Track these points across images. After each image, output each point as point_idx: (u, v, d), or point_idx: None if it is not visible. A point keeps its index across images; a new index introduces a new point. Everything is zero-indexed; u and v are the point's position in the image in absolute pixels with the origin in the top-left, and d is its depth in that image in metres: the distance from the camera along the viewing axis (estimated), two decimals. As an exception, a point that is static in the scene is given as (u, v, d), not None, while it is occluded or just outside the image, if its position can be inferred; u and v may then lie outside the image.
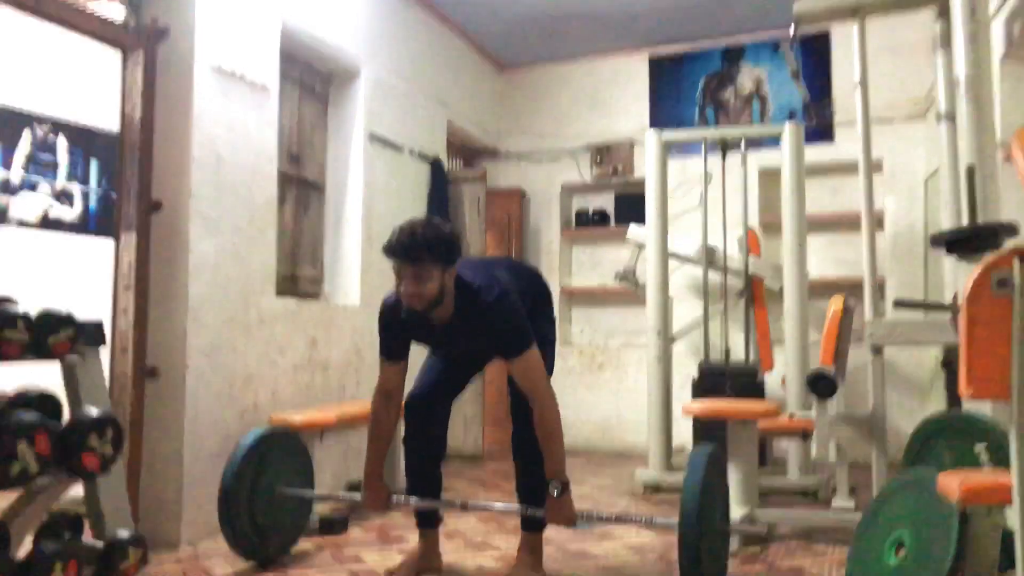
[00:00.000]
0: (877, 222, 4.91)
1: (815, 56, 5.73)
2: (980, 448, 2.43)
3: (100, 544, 2.05)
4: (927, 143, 5.22)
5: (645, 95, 6.24)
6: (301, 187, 4.38)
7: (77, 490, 2.13)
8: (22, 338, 1.92)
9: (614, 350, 6.19)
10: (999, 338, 1.55)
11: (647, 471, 4.46)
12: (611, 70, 6.36)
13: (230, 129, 3.49)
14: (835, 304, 3.89)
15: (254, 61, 3.63)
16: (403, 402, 2.81)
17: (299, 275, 4.34)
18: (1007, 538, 1.80)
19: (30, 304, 2.02)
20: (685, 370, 5.40)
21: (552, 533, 3.23)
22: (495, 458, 5.61)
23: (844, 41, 5.43)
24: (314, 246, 4.51)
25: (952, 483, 1.77)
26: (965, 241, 2.57)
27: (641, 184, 5.14)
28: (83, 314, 2.13)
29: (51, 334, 1.99)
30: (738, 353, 5.08)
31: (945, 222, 3.26)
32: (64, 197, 5.23)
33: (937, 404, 4.70)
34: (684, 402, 3.61)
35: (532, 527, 2.78)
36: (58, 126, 5.18)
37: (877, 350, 3.23)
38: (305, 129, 4.42)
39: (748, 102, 5.96)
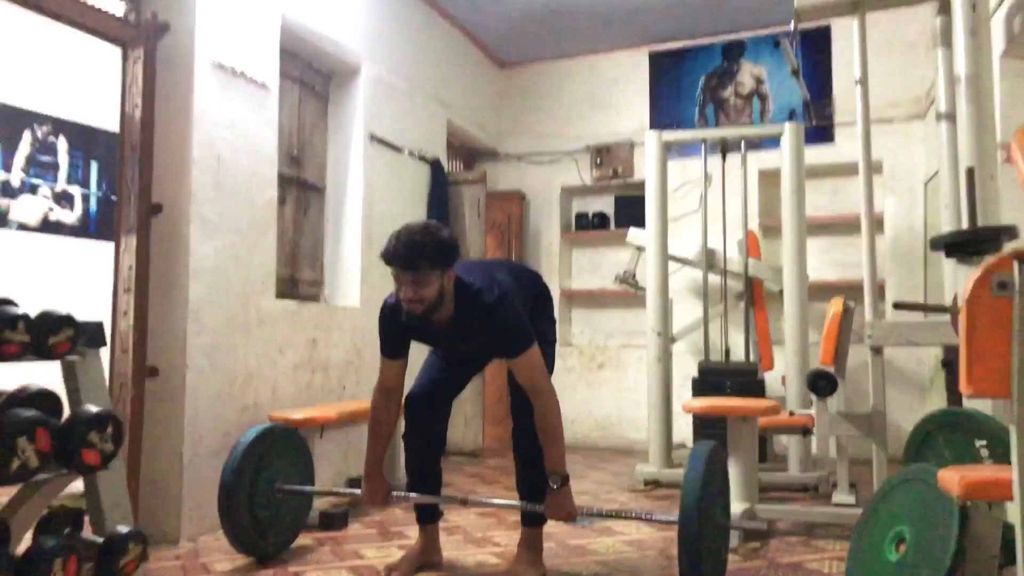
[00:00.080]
0: (877, 224, 4.93)
1: (815, 55, 5.75)
2: (980, 444, 2.43)
3: (100, 540, 2.04)
4: (927, 143, 5.23)
5: (645, 93, 6.26)
6: (301, 188, 4.38)
7: (77, 486, 2.13)
8: (22, 339, 1.92)
9: (614, 350, 6.20)
10: (999, 339, 1.55)
11: (647, 467, 4.47)
12: (611, 67, 6.37)
13: (230, 129, 3.49)
14: (835, 305, 3.90)
15: (254, 58, 3.64)
16: (403, 400, 2.81)
17: (299, 277, 4.34)
18: (1007, 534, 1.80)
19: (31, 306, 2.02)
20: (685, 370, 5.42)
21: (552, 528, 3.23)
22: (495, 455, 5.62)
23: (844, 41, 5.45)
24: (314, 247, 4.51)
25: (953, 478, 1.77)
26: (964, 244, 2.57)
27: (641, 186, 5.16)
28: (84, 315, 2.13)
29: (51, 335, 1.99)
30: (738, 354, 5.08)
31: (945, 224, 3.26)
32: (64, 200, 5.24)
33: (937, 401, 4.70)
34: (685, 400, 3.61)
35: (532, 522, 2.78)
36: (58, 126, 5.20)
37: (877, 350, 3.23)
38: (305, 129, 4.43)
39: (748, 100, 5.97)
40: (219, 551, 3.07)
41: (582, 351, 6.29)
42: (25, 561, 1.78)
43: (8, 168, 4.94)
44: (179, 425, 3.20)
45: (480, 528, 3.45)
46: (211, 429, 3.32)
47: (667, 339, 4.59)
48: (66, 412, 2.14)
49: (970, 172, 2.57)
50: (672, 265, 4.87)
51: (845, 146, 5.53)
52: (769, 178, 5.69)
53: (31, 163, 5.07)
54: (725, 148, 4.80)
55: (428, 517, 2.85)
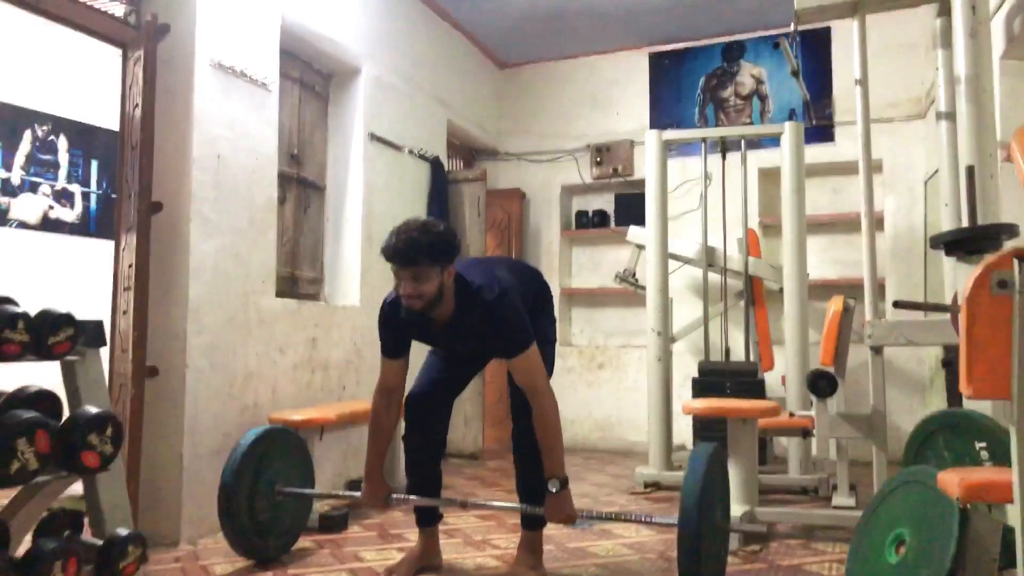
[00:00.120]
0: (877, 222, 4.92)
1: (815, 55, 5.74)
2: (980, 446, 2.43)
3: (99, 542, 2.05)
4: (927, 143, 5.23)
5: (645, 93, 6.25)
6: (301, 187, 4.38)
7: (77, 487, 2.13)
8: (22, 338, 1.91)
9: (614, 350, 6.20)
10: (999, 338, 1.55)
11: (647, 469, 4.47)
12: (611, 67, 6.37)
13: (230, 129, 3.49)
14: (835, 304, 3.89)
15: (254, 58, 3.64)
16: (403, 400, 2.81)
17: (299, 276, 4.34)
18: (1007, 536, 1.80)
19: (31, 305, 2.02)
20: (685, 369, 5.42)
21: (552, 531, 3.23)
22: (495, 456, 5.62)
23: (844, 41, 5.44)
24: (314, 246, 4.51)
25: (953, 480, 1.77)
26: (964, 242, 2.57)
27: (641, 184, 5.16)
28: (83, 314, 2.13)
29: (51, 334, 1.99)
30: (738, 353, 5.08)
31: (945, 222, 3.26)
32: (64, 198, 5.24)
33: (938, 402, 4.70)
34: (684, 400, 3.61)
35: (532, 525, 2.78)
36: (59, 125, 5.20)
37: (877, 350, 3.23)
38: (305, 129, 4.42)
39: (748, 100, 5.97)
40: (219, 553, 3.07)
41: (582, 351, 6.29)
42: (25, 563, 1.78)
43: (8, 167, 4.94)
44: (179, 425, 3.20)
45: (480, 531, 3.45)
46: (211, 429, 3.32)
47: (667, 339, 4.59)
48: (66, 412, 2.14)
49: (970, 171, 2.57)
50: (672, 264, 4.86)
51: (845, 145, 5.53)
52: (769, 176, 5.69)
53: (31, 161, 5.07)
54: (725, 147, 4.80)
55: (428, 519, 2.85)
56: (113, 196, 5.02)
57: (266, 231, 3.71)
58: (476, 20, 5.77)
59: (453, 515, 3.67)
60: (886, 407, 3.36)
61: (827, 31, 5.67)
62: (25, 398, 2.07)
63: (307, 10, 4.09)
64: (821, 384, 3.38)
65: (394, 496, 2.76)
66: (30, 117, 5.06)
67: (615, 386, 6.13)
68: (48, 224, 5.15)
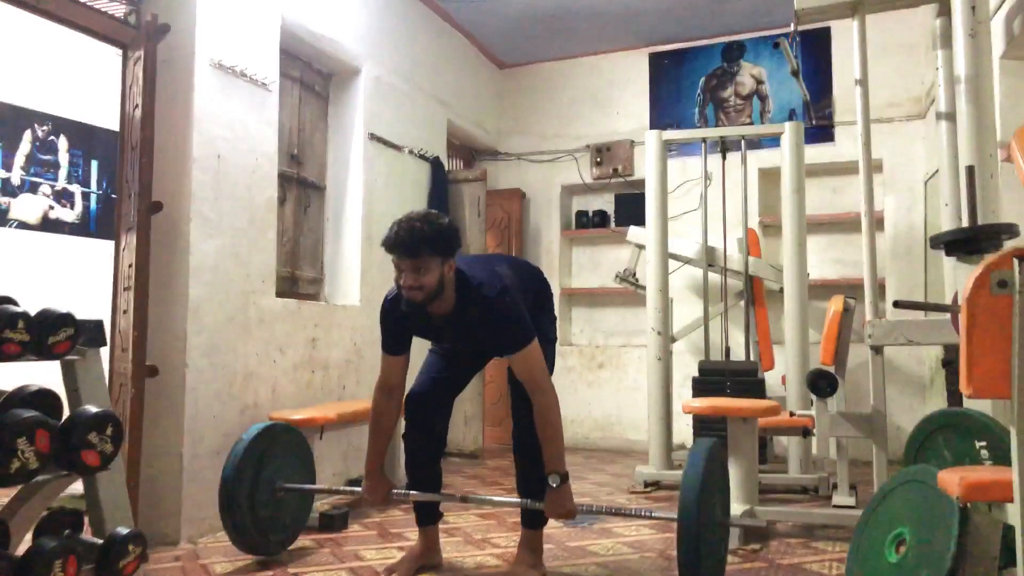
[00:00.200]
0: (877, 223, 4.93)
1: (815, 55, 5.74)
2: (980, 445, 2.43)
3: (99, 541, 2.04)
4: (927, 143, 5.23)
5: (645, 94, 6.26)
6: (301, 187, 4.38)
7: (77, 487, 2.13)
8: (22, 338, 1.91)
9: (614, 350, 6.20)
10: (999, 338, 1.55)
11: (647, 468, 4.47)
12: (611, 68, 6.37)
13: (230, 129, 3.49)
14: (835, 304, 3.90)
15: (254, 58, 3.64)
16: (404, 399, 2.81)
17: (299, 275, 4.34)
18: (1008, 535, 1.80)
19: (31, 305, 2.02)
20: (685, 369, 5.42)
21: (552, 530, 3.24)
22: (495, 456, 5.62)
23: (844, 41, 5.45)
24: (314, 246, 4.51)
25: (953, 479, 1.76)
26: (964, 242, 2.57)
27: (641, 184, 5.16)
28: (83, 314, 2.13)
29: (51, 334, 1.99)
30: (738, 353, 5.08)
31: (945, 222, 3.26)
32: (64, 198, 5.24)
33: (938, 401, 4.71)
34: (684, 400, 3.61)
35: (532, 524, 2.78)
36: (59, 125, 5.20)
37: (877, 350, 3.23)
38: (305, 129, 4.42)
39: (748, 100, 5.97)
40: (219, 552, 3.07)
41: (582, 350, 6.29)
42: (25, 562, 1.78)
43: (8, 167, 4.94)
44: (179, 425, 3.20)
45: (480, 530, 3.45)
46: (211, 429, 3.32)
47: (667, 338, 4.59)
48: (66, 412, 2.14)
49: (970, 170, 2.57)
50: (672, 264, 4.87)
51: (845, 145, 5.53)
52: (769, 176, 5.70)
53: (31, 162, 5.07)
54: (725, 147, 4.81)
55: (428, 518, 2.85)
56: (113, 196, 5.02)
57: (266, 231, 3.71)
58: (476, 20, 5.77)
59: (453, 514, 3.67)
60: (886, 406, 3.36)
61: (827, 31, 5.68)
62: (25, 397, 2.07)
63: (307, 10, 4.09)
64: (821, 384, 3.39)
65: (394, 492, 2.77)
66: (30, 117, 5.06)
67: (615, 386, 6.13)
68: (48, 224, 5.15)
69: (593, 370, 6.22)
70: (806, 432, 3.79)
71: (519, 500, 2.71)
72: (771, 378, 5.01)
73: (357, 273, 4.52)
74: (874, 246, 3.30)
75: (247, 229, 3.58)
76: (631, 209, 6.01)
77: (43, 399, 2.10)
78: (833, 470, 4.05)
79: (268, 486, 2.95)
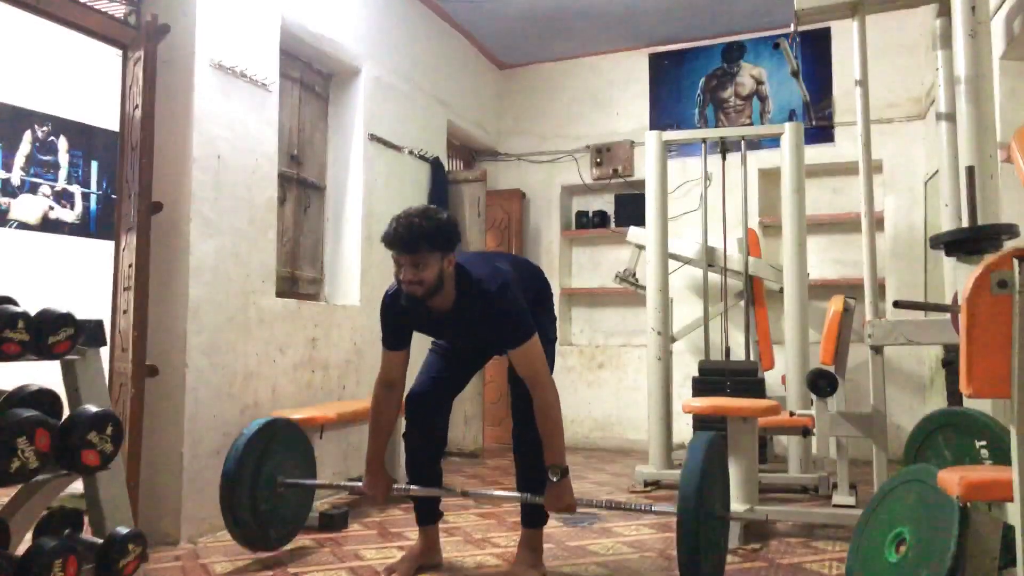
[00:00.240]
0: (877, 222, 4.93)
1: (815, 56, 5.74)
2: (980, 445, 2.43)
3: (99, 540, 2.04)
4: (927, 143, 5.23)
5: (645, 94, 6.26)
6: (301, 187, 4.38)
7: (77, 486, 2.13)
8: (22, 337, 1.91)
9: (614, 350, 6.20)
10: (999, 338, 1.55)
11: (647, 468, 4.47)
12: (611, 68, 6.37)
13: (230, 129, 3.49)
14: (835, 304, 3.90)
15: (254, 58, 3.64)
16: (404, 399, 2.81)
17: (299, 275, 4.34)
18: (1008, 534, 1.80)
19: (31, 305, 2.02)
20: (685, 369, 5.42)
21: (552, 529, 3.24)
22: (495, 455, 5.62)
23: (844, 41, 5.45)
24: (314, 246, 4.51)
25: (953, 479, 1.76)
26: (964, 242, 2.57)
27: (641, 185, 5.16)
28: (83, 314, 2.13)
29: (51, 333, 1.99)
30: (738, 352, 5.08)
31: (945, 222, 3.26)
32: (64, 198, 5.24)
33: (938, 401, 4.71)
34: (684, 400, 3.61)
35: (532, 523, 2.78)
36: (59, 125, 5.20)
37: (877, 349, 3.23)
38: (305, 129, 4.43)
39: (748, 101, 5.97)
40: (219, 552, 3.07)
41: (582, 350, 6.29)
42: (24, 562, 1.78)
43: (8, 167, 4.94)
44: (179, 425, 3.20)
45: (480, 529, 3.45)
46: (211, 429, 3.32)
47: (667, 338, 4.59)
48: (66, 411, 2.14)
49: (970, 171, 2.57)
50: (672, 264, 4.87)
51: (845, 146, 5.53)
52: (769, 176, 5.70)
53: (31, 162, 5.07)
54: (725, 148, 4.81)
55: (428, 518, 2.85)
56: (113, 196, 5.02)
57: (266, 231, 3.71)
58: (476, 20, 5.77)
59: (453, 514, 3.67)
60: (886, 406, 3.36)
61: (827, 31, 5.68)
62: (25, 397, 2.07)
63: (307, 10, 4.09)
64: (821, 383, 3.39)
65: (395, 486, 2.77)
66: (30, 117, 5.06)
67: (615, 385, 6.13)
68: (48, 224, 5.15)
69: (593, 370, 6.22)
70: (806, 432, 3.79)
71: (519, 495, 2.71)
72: (771, 378, 5.01)
73: (357, 273, 4.52)
74: (874, 246, 3.30)
75: (247, 229, 3.58)
76: (631, 209, 6.01)
77: (43, 399, 2.10)
78: (833, 470, 4.05)
79: (269, 481, 2.96)
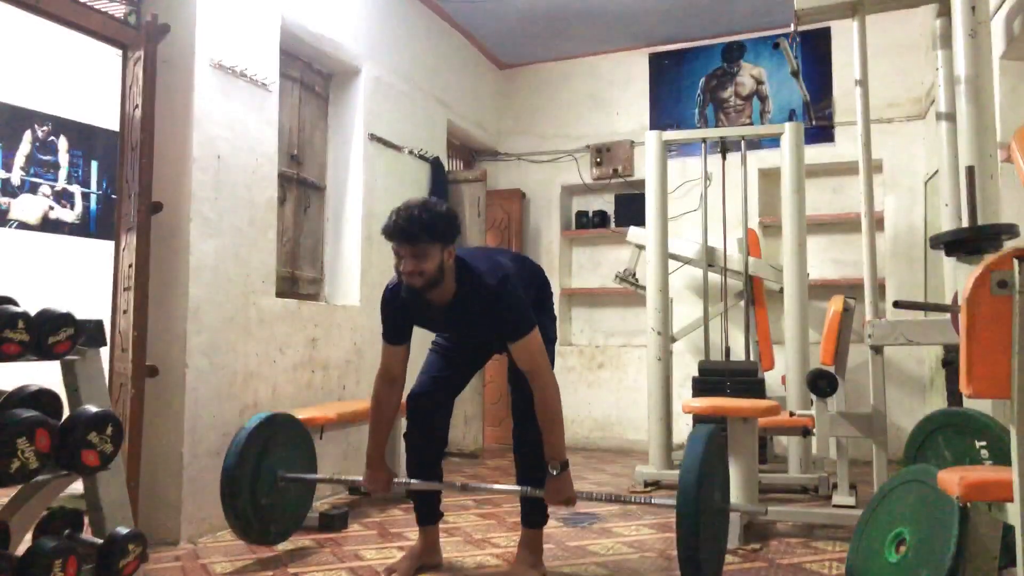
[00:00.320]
0: (877, 222, 4.93)
1: (815, 55, 5.74)
2: (980, 445, 2.43)
3: (99, 540, 2.04)
4: (927, 143, 5.23)
5: (645, 94, 6.26)
6: (301, 187, 4.38)
7: (77, 487, 2.13)
8: (22, 338, 1.91)
9: (614, 350, 6.20)
10: (999, 338, 1.55)
11: (647, 468, 4.47)
12: (611, 68, 6.37)
13: (230, 129, 3.49)
14: (835, 304, 3.89)
15: (254, 58, 3.64)
16: (405, 399, 2.82)
17: (299, 275, 4.34)
18: (1007, 535, 1.80)
19: (31, 305, 2.02)
20: (685, 369, 5.42)
21: (552, 530, 3.24)
22: (495, 455, 5.63)
23: (844, 41, 5.45)
24: (314, 246, 4.51)
25: (953, 479, 1.76)
26: (964, 242, 2.57)
27: (641, 185, 5.16)
28: (83, 314, 2.13)
29: (51, 334, 1.99)
30: (738, 353, 5.08)
31: (945, 222, 3.26)
32: (64, 198, 5.24)
33: (938, 401, 4.71)
34: (684, 400, 3.61)
35: (532, 523, 2.78)
36: (59, 125, 5.20)
37: (877, 349, 3.23)
38: (305, 129, 4.43)
39: (748, 101, 5.97)
40: (219, 552, 3.07)
41: (582, 351, 6.29)
42: (25, 562, 1.78)
43: (8, 167, 4.94)
44: (179, 425, 3.20)
45: (480, 529, 3.46)
46: (211, 429, 3.32)
47: (667, 338, 4.60)
48: (66, 412, 2.14)
49: (970, 171, 2.57)
50: (672, 264, 4.87)
51: (845, 146, 5.53)
52: (769, 176, 5.70)
53: (31, 162, 5.07)
54: (725, 147, 4.81)
55: (428, 518, 2.85)
56: (113, 196, 5.02)
57: (266, 231, 3.71)
58: (476, 20, 5.77)
59: (453, 514, 3.67)
60: (886, 406, 3.36)
61: (827, 31, 5.68)
62: (25, 397, 2.07)
63: (307, 10, 4.09)
64: (821, 383, 3.39)
65: (396, 481, 2.77)
66: (30, 117, 5.06)
67: (615, 386, 6.13)
68: (48, 224, 5.15)
69: (593, 370, 6.22)
70: (806, 432, 3.79)
71: (519, 488, 2.70)
72: (771, 378, 5.01)
73: (357, 273, 4.52)
74: (874, 246, 3.31)
75: (247, 229, 3.58)
76: (631, 209, 6.01)
77: (43, 399, 2.10)
78: (833, 470, 4.05)
79: (270, 475, 2.97)
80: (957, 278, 2.75)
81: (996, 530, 1.87)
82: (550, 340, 2.81)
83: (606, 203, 6.48)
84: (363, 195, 4.55)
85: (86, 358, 2.17)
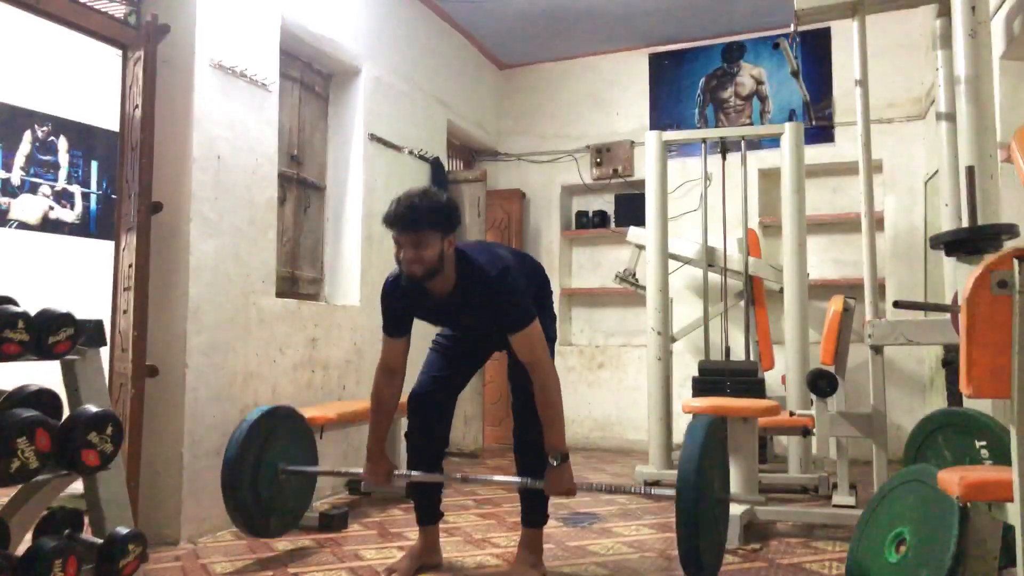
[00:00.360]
0: (877, 222, 4.93)
1: (815, 55, 5.74)
2: (980, 445, 2.43)
3: (99, 540, 2.04)
4: (927, 143, 5.23)
5: (645, 94, 6.26)
6: (301, 187, 4.38)
7: (76, 486, 2.13)
8: (22, 338, 1.91)
9: (614, 350, 6.20)
10: (999, 338, 1.55)
11: (647, 468, 4.47)
12: (611, 68, 6.37)
13: (230, 129, 3.49)
14: (835, 304, 3.89)
15: (254, 58, 3.64)
16: (406, 399, 2.82)
17: (299, 275, 4.34)
18: (1007, 535, 1.80)
19: (31, 305, 2.02)
20: (685, 369, 5.42)
21: (552, 529, 3.24)
22: (495, 455, 5.63)
23: (844, 41, 5.45)
24: (314, 246, 4.51)
25: (953, 479, 1.76)
26: (964, 242, 2.57)
27: (641, 185, 5.16)
28: (83, 314, 2.13)
29: (51, 334, 1.98)
30: (738, 352, 5.08)
31: (945, 222, 3.26)
32: (64, 198, 5.24)
33: (938, 401, 4.71)
34: (684, 400, 3.61)
35: (532, 523, 2.78)
36: (59, 125, 5.20)
37: (877, 349, 3.23)
38: (305, 129, 4.43)
39: (748, 101, 5.97)
40: (219, 552, 3.07)
41: (582, 351, 6.29)
42: (24, 562, 1.78)
43: (8, 167, 4.94)
44: (179, 425, 3.20)
45: (480, 529, 3.46)
46: (211, 429, 3.32)
47: (667, 338, 4.60)
48: (66, 411, 2.14)
49: (970, 171, 2.57)
50: (672, 264, 4.87)
51: (845, 146, 5.53)
52: (769, 176, 5.70)
53: (31, 162, 5.07)
54: (725, 148, 4.81)
55: (428, 518, 2.85)
56: (113, 196, 5.02)
57: (266, 231, 3.71)
58: (476, 20, 5.77)
59: (453, 514, 3.67)
60: (886, 406, 3.36)
61: (827, 31, 5.68)
62: (25, 397, 2.07)
63: (307, 10, 4.09)
64: (821, 383, 3.39)
65: (396, 473, 2.77)
66: (30, 117, 5.06)
67: (615, 386, 6.13)
68: (48, 224, 5.15)
69: (593, 370, 6.22)
70: (806, 432, 3.79)
71: (519, 479, 2.68)
72: (771, 378, 5.01)
73: (357, 273, 4.52)
74: (874, 246, 3.31)
75: (247, 229, 3.58)
76: (631, 209, 6.01)
77: (43, 399, 2.10)
78: (833, 470, 4.05)
79: (271, 468, 2.97)
80: (957, 278, 2.75)
81: (996, 530, 1.87)
82: (550, 339, 2.80)
83: (606, 203, 6.48)
84: (363, 195, 4.55)
85: (86, 358, 2.17)
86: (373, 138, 4.66)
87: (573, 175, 6.41)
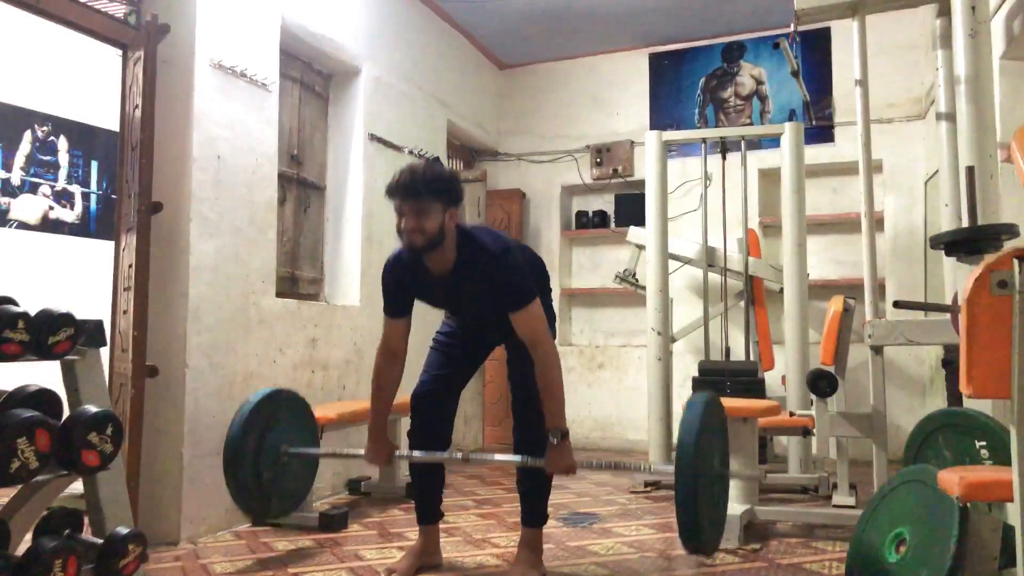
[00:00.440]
0: (877, 222, 4.93)
1: (815, 55, 5.74)
2: (980, 445, 2.43)
3: (99, 541, 2.04)
4: (927, 143, 5.23)
5: (645, 94, 6.26)
6: (301, 187, 4.38)
7: (76, 487, 2.13)
8: (22, 338, 1.91)
9: (614, 350, 6.20)
10: (999, 338, 1.55)
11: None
12: (611, 68, 6.37)
13: (230, 129, 3.49)
14: (835, 304, 3.90)
15: (254, 58, 3.64)
16: (408, 398, 2.82)
17: (299, 275, 4.34)
18: (1007, 535, 1.80)
19: (31, 305, 2.02)
20: (685, 369, 5.42)
21: (552, 529, 3.24)
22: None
23: (844, 41, 5.45)
24: (314, 246, 4.51)
25: (953, 479, 1.77)
26: (964, 243, 2.57)
27: (641, 185, 5.16)
28: (83, 314, 2.13)
29: (51, 334, 1.98)
30: (738, 353, 5.08)
31: (945, 222, 3.26)
32: (64, 198, 5.24)
33: (938, 401, 4.71)
34: (684, 400, 3.61)
35: (532, 523, 2.78)
36: (59, 125, 5.20)
37: (877, 350, 3.23)
38: (305, 129, 4.42)
39: (748, 101, 5.97)
40: (219, 552, 3.07)
41: (582, 351, 6.29)
42: (24, 562, 1.77)
43: (8, 167, 4.94)
44: (179, 425, 3.20)
45: (480, 529, 3.46)
46: (211, 429, 3.32)
47: (667, 338, 4.60)
48: (66, 412, 2.14)
49: (970, 171, 2.57)
50: (672, 264, 4.87)
51: (845, 146, 5.53)
52: (769, 176, 5.70)
53: (31, 162, 5.07)
54: (725, 148, 4.81)
55: (428, 518, 2.85)
56: (113, 196, 5.02)
57: (266, 231, 3.71)
58: (476, 20, 5.77)
59: (453, 514, 3.67)
60: (886, 406, 3.37)
61: (827, 31, 5.68)
62: (25, 397, 2.06)
63: (307, 10, 4.09)
64: (821, 383, 3.39)
65: (397, 454, 2.78)
66: (30, 117, 5.06)
67: (615, 386, 6.13)
68: (48, 224, 5.15)
69: (593, 370, 6.22)
70: (806, 432, 3.79)
71: (519, 458, 2.67)
72: (771, 378, 5.01)
73: (357, 273, 4.52)
74: (874, 246, 3.31)
75: (247, 229, 3.58)
76: (631, 209, 6.01)
77: (43, 399, 2.10)
78: (833, 470, 4.05)
79: (272, 450, 2.98)
80: (957, 278, 2.75)
81: (996, 530, 1.87)
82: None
83: (606, 203, 6.48)
84: (363, 195, 4.55)
85: (86, 358, 2.17)
86: (373, 138, 4.66)
87: (573, 175, 6.41)
